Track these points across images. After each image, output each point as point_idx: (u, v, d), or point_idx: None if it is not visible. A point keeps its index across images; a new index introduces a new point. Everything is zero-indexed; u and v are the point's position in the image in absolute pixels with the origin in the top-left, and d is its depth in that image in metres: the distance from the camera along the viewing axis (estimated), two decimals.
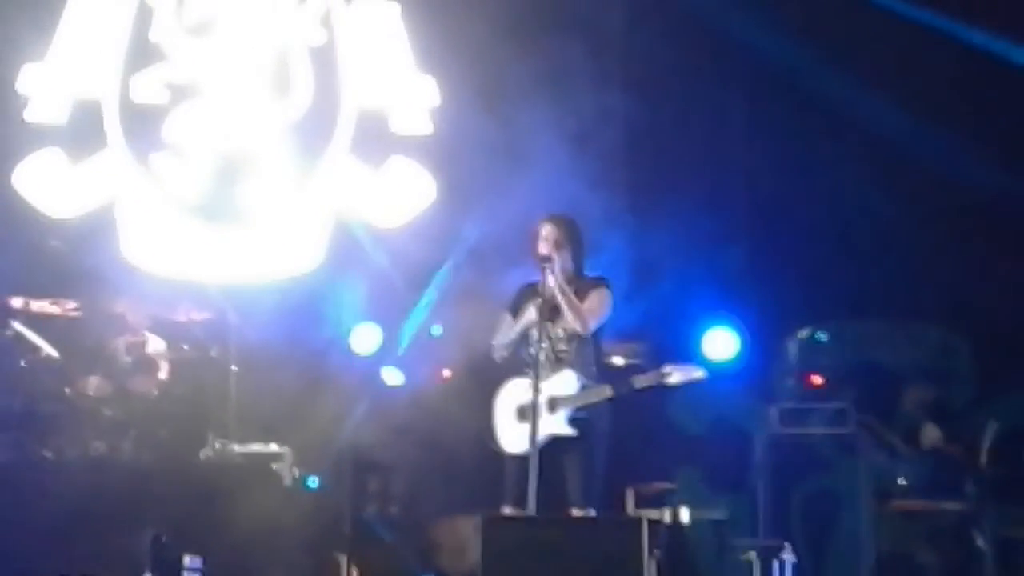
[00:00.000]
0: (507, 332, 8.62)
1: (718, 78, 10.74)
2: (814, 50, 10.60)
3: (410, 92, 10.83)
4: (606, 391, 8.43)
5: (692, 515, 9.33)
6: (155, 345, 10.86)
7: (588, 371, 8.49)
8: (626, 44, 10.99)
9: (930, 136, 10.41)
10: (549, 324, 8.46)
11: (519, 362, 8.56)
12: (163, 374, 10.78)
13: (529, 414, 8.32)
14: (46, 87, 10.90)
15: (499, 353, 8.65)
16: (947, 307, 10.36)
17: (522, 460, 8.31)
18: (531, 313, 8.49)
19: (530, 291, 8.58)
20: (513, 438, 8.48)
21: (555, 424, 8.35)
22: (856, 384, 10.30)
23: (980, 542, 9.69)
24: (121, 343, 10.81)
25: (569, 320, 8.43)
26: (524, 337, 8.56)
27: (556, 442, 8.33)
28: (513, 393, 8.54)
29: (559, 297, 8.43)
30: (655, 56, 10.77)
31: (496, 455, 8.54)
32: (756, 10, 10.67)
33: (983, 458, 9.88)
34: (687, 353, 10.34)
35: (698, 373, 8.49)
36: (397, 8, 10.91)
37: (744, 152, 10.83)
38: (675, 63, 10.67)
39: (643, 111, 10.54)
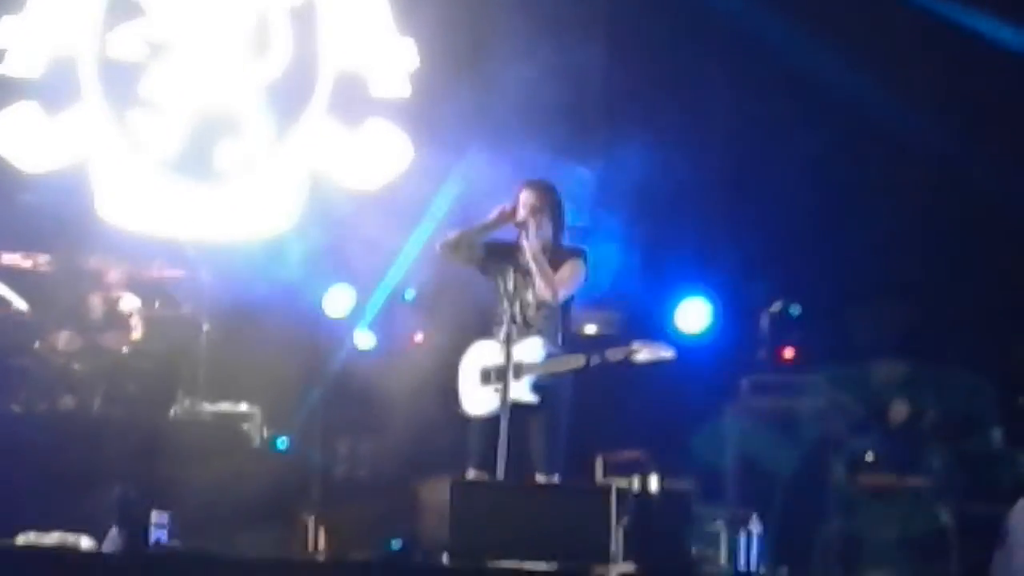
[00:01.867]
0: (467, 232, 8.59)
1: (700, 46, 10.72)
2: (802, 24, 10.58)
3: (389, 54, 10.80)
4: (574, 361, 8.42)
5: (661, 484, 9.35)
6: (130, 303, 10.82)
7: (555, 339, 8.47)
8: (608, 5, 10.97)
9: (910, 109, 10.43)
10: (520, 289, 8.46)
11: (487, 323, 8.55)
12: (136, 333, 10.74)
13: (493, 377, 8.34)
14: (22, 41, 10.83)
15: (443, 243, 8.62)
16: (919, 280, 10.40)
17: (485, 423, 8.32)
18: (492, 215, 8.49)
19: (506, 249, 8.57)
20: (476, 401, 8.47)
21: (519, 390, 8.33)
22: (828, 358, 10.34)
23: (945, 517, 9.74)
24: (95, 299, 10.76)
25: (540, 288, 8.42)
26: (497, 299, 8.52)
27: (519, 408, 8.31)
28: (478, 355, 8.52)
29: (532, 264, 8.41)
30: (637, 19, 10.75)
31: (462, 418, 8.54)
32: None
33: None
34: (660, 324, 10.36)
35: (667, 352, 8.47)
36: None
37: (723, 121, 10.82)
38: (657, 28, 10.64)
39: (623, 76, 10.53)
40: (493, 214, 8.50)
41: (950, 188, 10.43)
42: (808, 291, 10.60)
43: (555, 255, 8.50)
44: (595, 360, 8.42)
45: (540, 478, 8.29)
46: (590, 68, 10.61)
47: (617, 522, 7.84)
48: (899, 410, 10.21)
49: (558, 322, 8.53)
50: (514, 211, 8.49)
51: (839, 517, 9.89)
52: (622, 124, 10.77)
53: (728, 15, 10.69)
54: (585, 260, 8.55)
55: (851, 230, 10.61)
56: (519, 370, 8.35)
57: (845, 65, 10.52)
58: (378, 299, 10.98)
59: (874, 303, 10.48)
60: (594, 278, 8.70)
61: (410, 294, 11.01)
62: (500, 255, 8.55)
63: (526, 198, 8.53)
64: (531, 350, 8.40)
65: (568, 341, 8.54)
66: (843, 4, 10.56)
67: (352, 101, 10.80)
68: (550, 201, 8.57)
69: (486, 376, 8.44)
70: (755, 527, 8.96)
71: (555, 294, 8.42)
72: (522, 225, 8.45)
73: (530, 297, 8.48)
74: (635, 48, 10.68)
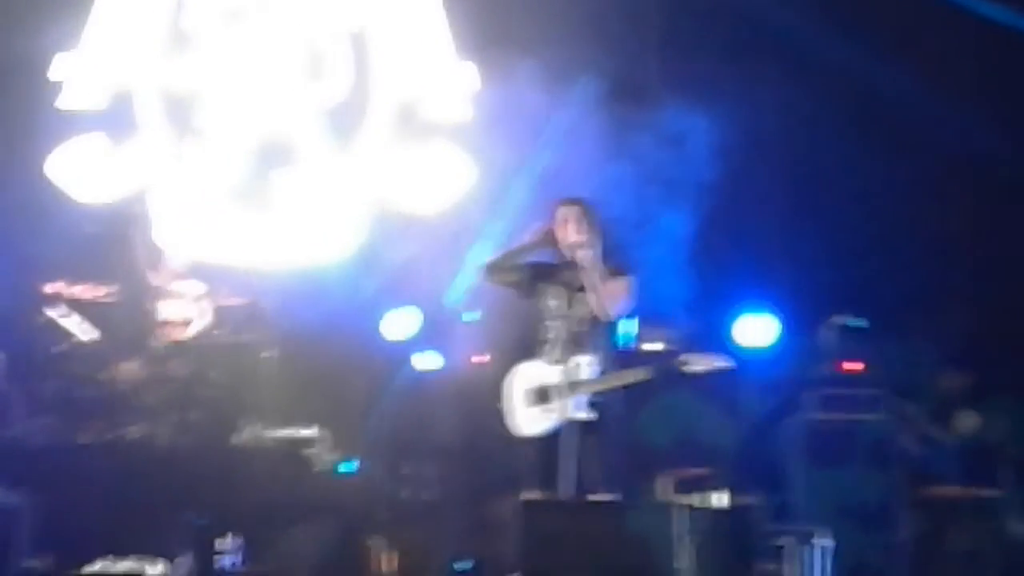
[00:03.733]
0: (508, 254, 8.60)
1: (758, 61, 10.70)
2: (864, 40, 10.56)
3: (449, 78, 10.81)
4: (625, 377, 8.41)
5: (727, 500, 9.31)
6: (196, 288, 10.85)
7: (605, 355, 8.48)
8: (664, 30, 10.97)
9: (973, 119, 10.39)
10: (568, 307, 8.47)
11: (533, 343, 8.55)
12: (207, 318, 10.79)
13: (544, 397, 8.35)
14: (79, 75, 10.91)
15: (483, 265, 8.63)
16: (981, 293, 10.35)
17: (541, 443, 8.33)
18: (532, 236, 8.50)
19: (549, 269, 8.57)
20: (525, 421, 8.47)
21: (573, 408, 8.33)
22: (892, 370, 10.29)
23: (1016, 529, 9.67)
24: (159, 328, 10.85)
25: (594, 306, 8.42)
26: (541, 319, 8.53)
27: (572, 426, 8.31)
28: (525, 376, 8.52)
29: (592, 282, 8.40)
30: (693, 43, 10.75)
31: (514, 438, 8.54)
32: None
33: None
34: (722, 339, 10.34)
35: (723, 363, 8.46)
36: None
37: (783, 136, 10.80)
38: (712, 47, 10.64)
39: (679, 98, 10.52)
40: (534, 235, 8.52)
41: (1014, 197, 10.37)
42: (871, 303, 10.56)
43: (604, 272, 8.51)
44: (647, 375, 8.42)
45: (598, 496, 8.27)
46: (644, 79, 10.61)
47: (685, 539, 7.82)
48: (965, 421, 10.15)
49: (607, 339, 8.54)
50: (553, 230, 8.51)
51: (907, 530, 9.84)
52: (679, 145, 10.77)
53: (788, 33, 10.67)
54: (634, 278, 8.56)
55: (914, 241, 10.58)
56: (571, 388, 8.35)
57: (905, 78, 10.49)
58: (440, 321, 10.99)
59: (938, 314, 10.43)
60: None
61: (472, 315, 11.03)
62: (543, 275, 8.57)
63: (569, 215, 8.52)
64: (582, 368, 8.40)
65: (616, 357, 8.55)
66: (905, 18, 10.52)
67: (412, 125, 10.82)
68: (597, 218, 8.58)
69: (534, 396, 8.44)
70: (824, 541, 8.92)
71: (609, 313, 8.43)
72: (578, 245, 8.45)
73: (578, 315, 8.48)
74: (691, 66, 10.66)
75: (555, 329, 8.44)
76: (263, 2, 11.02)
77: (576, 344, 8.44)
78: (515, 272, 8.60)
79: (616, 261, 8.59)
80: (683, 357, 8.44)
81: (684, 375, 8.44)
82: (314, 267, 10.90)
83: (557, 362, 8.37)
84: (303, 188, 10.91)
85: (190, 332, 10.88)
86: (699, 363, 8.41)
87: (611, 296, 8.43)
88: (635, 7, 10.96)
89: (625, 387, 8.41)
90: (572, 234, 8.47)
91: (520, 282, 8.61)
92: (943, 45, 10.61)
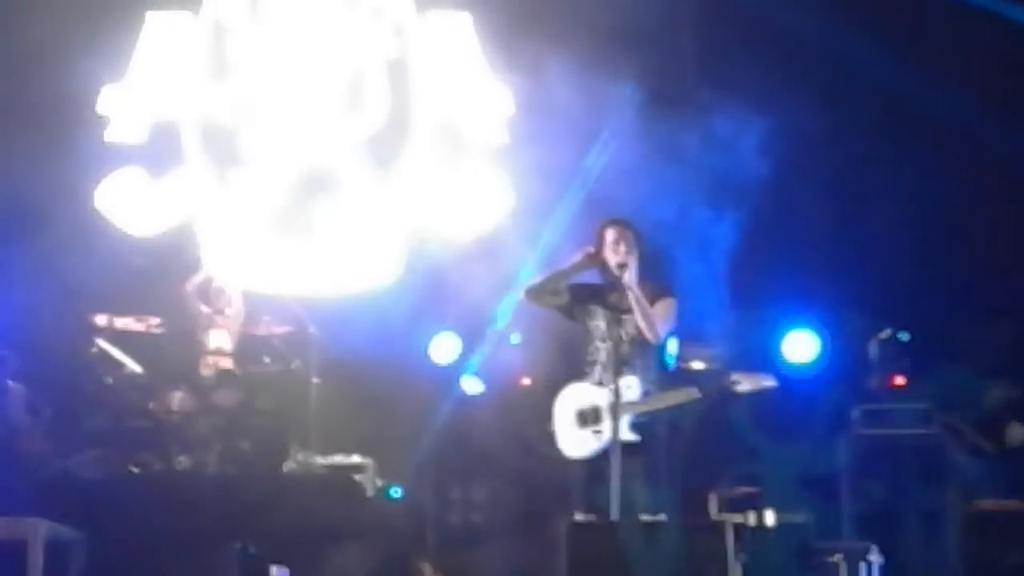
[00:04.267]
0: (551, 277, 8.61)
1: (795, 76, 10.67)
2: (903, 55, 10.52)
3: (485, 102, 10.85)
4: (671, 398, 8.42)
5: (777, 518, 9.27)
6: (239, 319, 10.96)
7: (651, 377, 8.49)
8: (702, 56, 10.96)
9: (1017, 138, 10.33)
10: (613, 328, 8.48)
11: (578, 365, 8.57)
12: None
13: (590, 418, 8.36)
14: (125, 107, 11.00)
15: (527, 288, 8.65)
16: None
17: (587, 464, 8.35)
18: (576, 258, 8.50)
19: (592, 290, 8.59)
20: (574, 443, 8.49)
21: (619, 429, 8.33)
22: (939, 384, 10.24)
23: None
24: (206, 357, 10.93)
25: (642, 328, 8.43)
26: (587, 341, 8.55)
27: (620, 447, 8.30)
28: (572, 397, 8.54)
29: (634, 304, 8.42)
30: (734, 71, 10.73)
31: (561, 460, 8.56)
32: (833, 13, 10.61)
33: None
34: (767, 356, 10.32)
35: (768, 382, 8.46)
36: (469, 18, 10.91)
37: (826, 150, 10.77)
38: (753, 71, 10.60)
39: (723, 123, 10.50)
40: (578, 257, 8.54)
41: None
42: (917, 317, 10.51)
43: (645, 292, 8.53)
44: (694, 395, 8.42)
45: (645, 517, 8.26)
46: (688, 114, 10.59)
47: (735, 558, 7.81)
48: (1015, 433, 10.08)
49: (652, 360, 8.55)
50: (598, 252, 8.53)
51: (958, 544, 9.77)
52: (721, 166, 10.74)
53: (830, 49, 10.64)
54: (676, 298, 8.58)
55: (959, 254, 10.53)
56: (619, 409, 8.35)
57: (952, 92, 10.43)
58: (484, 345, 11.02)
59: (984, 325, 10.37)
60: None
61: (516, 338, 11.05)
62: (586, 297, 8.59)
63: (613, 237, 8.55)
64: (628, 389, 8.40)
65: (662, 378, 8.56)
66: (950, 31, 10.48)
67: (451, 150, 10.86)
68: (639, 239, 8.61)
69: (582, 417, 8.46)
70: (875, 558, 8.86)
71: (656, 334, 8.44)
72: (622, 266, 8.47)
73: (624, 336, 8.49)
74: (732, 95, 10.62)
75: (601, 351, 8.46)
76: (303, 32, 11.08)
77: (622, 365, 8.45)
78: (560, 295, 8.62)
79: (659, 281, 8.61)
80: (731, 376, 8.45)
81: (731, 394, 8.44)
82: (359, 294, 10.94)
83: (604, 384, 8.39)
84: (346, 215, 10.94)
85: (238, 360, 10.97)
86: (746, 383, 8.41)
87: (658, 317, 8.45)
88: (673, 16, 10.95)
89: (672, 408, 8.42)
90: (616, 255, 8.49)
91: (565, 304, 8.64)
92: (993, 59, 10.55)
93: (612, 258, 8.51)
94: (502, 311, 10.90)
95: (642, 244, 8.60)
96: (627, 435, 8.33)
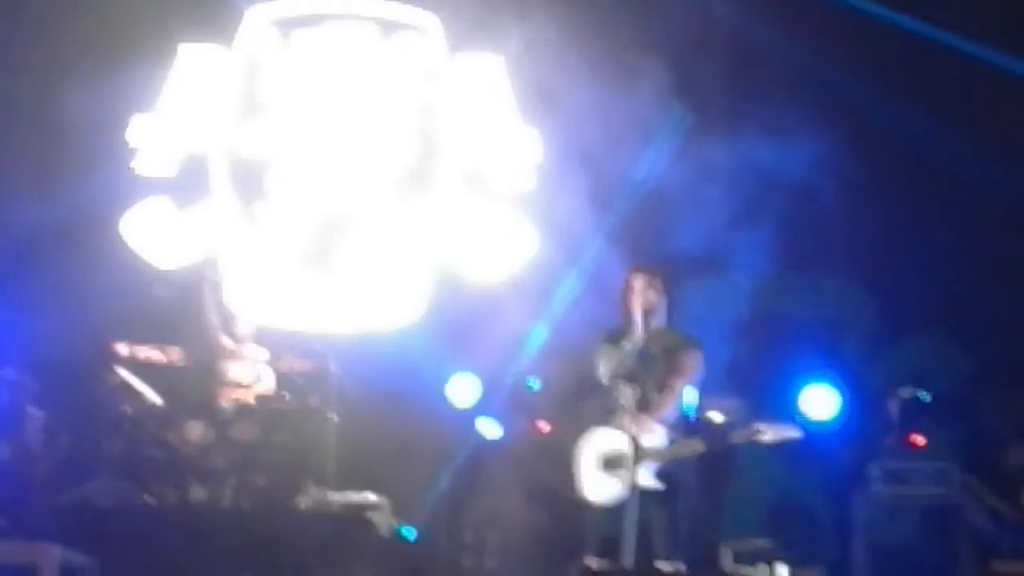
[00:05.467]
0: (614, 356, 8.62)
1: (822, 129, 10.68)
2: (934, 110, 10.54)
3: (514, 146, 10.86)
4: (698, 445, 8.43)
5: (790, 573, 9.24)
6: (257, 352, 10.95)
7: (676, 425, 8.50)
8: (724, 96, 11.00)
9: None
10: (638, 375, 8.49)
11: (604, 409, 8.58)
12: (264, 385, 10.90)
13: (614, 464, 8.35)
14: (154, 139, 11.04)
15: (611, 380, 8.65)
16: None
17: (605, 510, 8.33)
18: (636, 332, 8.52)
19: (619, 335, 8.62)
20: (596, 488, 8.49)
21: (642, 476, 8.33)
22: (959, 444, 10.21)
23: None
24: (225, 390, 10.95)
25: (667, 376, 8.47)
26: (610, 387, 8.57)
27: (642, 495, 8.31)
28: (597, 442, 8.54)
29: (662, 351, 8.45)
30: (754, 108, 10.76)
31: (578, 505, 8.55)
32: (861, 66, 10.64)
33: None
34: (785, 410, 10.30)
35: (792, 432, 8.47)
36: (502, 60, 10.93)
37: (846, 205, 10.77)
38: (774, 112, 10.61)
39: (743, 164, 10.52)
40: (638, 321, 8.54)
41: None
42: (938, 377, 10.49)
43: (671, 341, 8.57)
44: (719, 443, 8.43)
45: (665, 566, 8.26)
46: (706, 157, 10.62)
47: None
48: None
49: (677, 407, 8.56)
50: (626, 298, 8.57)
51: None
52: (743, 215, 10.77)
53: (853, 103, 10.65)
54: (702, 350, 8.60)
55: (981, 314, 10.51)
56: (642, 456, 8.35)
57: (973, 150, 10.44)
58: (503, 389, 11.02)
59: (1005, 388, 10.34)
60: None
61: (535, 383, 11.04)
62: (614, 341, 8.62)
63: (641, 284, 8.58)
64: (653, 436, 8.41)
65: (685, 427, 8.57)
66: (972, 88, 10.50)
67: (477, 193, 10.88)
68: (666, 287, 8.65)
69: (607, 463, 8.46)
70: None
71: (688, 382, 8.47)
72: (649, 314, 8.51)
73: (649, 383, 8.51)
74: (752, 134, 10.63)
75: (626, 396, 8.46)
76: (334, 70, 11.13)
77: (646, 412, 8.46)
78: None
79: (685, 332, 8.64)
80: (756, 426, 8.46)
81: (753, 444, 8.44)
82: (380, 332, 10.94)
83: (627, 430, 8.38)
84: (370, 254, 10.97)
85: (255, 394, 10.98)
86: (770, 432, 8.42)
87: (685, 371, 8.48)
88: (704, 45, 10.99)
89: (694, 456, 8.43)
90: (646, 302, 8.53)
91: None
92: (1016, 117, 10.56)
93: (641, 304, 8.55)
94: (522, 355, 10.91)
95: (670, 291, 8.64)
96: (651, 482, 8.34)
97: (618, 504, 8.37)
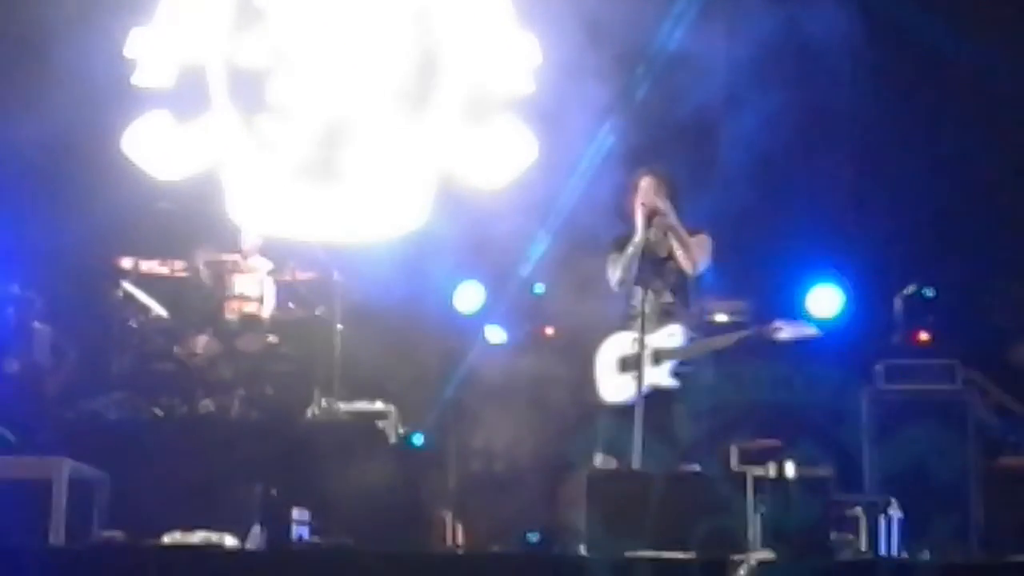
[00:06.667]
0: (620, 262, 8.61)
1: (828, 30, 10.58)
2: (934, 14, 10.43)
3: (512, 51, 10.79)
4: (713, 343, 8.46)
5: (797, 471, 9.28)
6: (262, 264, 10.96)
7: (693, 323, 8.53)
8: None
9: None
10: (652, 277, 8.49)
11: (623, 315, 8.60)
12: (269, 299, 10.87)
13: (631, 365, 8.37)
14: (152, 51, 10.97)
15: (621, 285, 8.64)
16: None
17: (619, 411, 8.37)
18: (637, 235, 8.50)
19: (625, 242, 8.61)
20: (613, 388, 8.54)
21: (659, 376, 8.38)
22: (964, 340, 10.21)
23: None
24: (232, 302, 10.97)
25: (679, 257, 8.46)
26: (629, 291, 8.57)
27: (658, 394, 8.35)
28: (616, 345, 8.58)
29: (674, 235, 8.45)
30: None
31: (594, 408, 8.58)
32: None
33: None
34: (791, 311, 10.29)
35: (810, 330, 8.49)
36: None
37: (854, 106, 10.71)
38: (783, 22, 10.52)
39: (746, 71, 10.45)
40: (640, 223, 8.51)
41: None
42: (942, 273, 10.47)
43: (686, 229, 8.58)
44: (735, 340, 8.46)
45: (681, 465, 8.30)
46: (709, 65, 10.54)
47: (755, 510, 7.82)
48: None
49: (694, 305, 8.59)
50: (636, 201, 8.55)
51: (980, 501, 9.76)
52: (741, 114, 10.70)
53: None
54: (710, 238, 8.61)
55: (985, 211, 10.48)
56: (659, 356, 8.40)
57: (981, 47, 10.35)
58: (507, 296, 11.02)
59: (1010, 283, 10.33)
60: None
61: (539, 288, 11.04)
62: (621, 247, 8.61)
63: (652, 184, 8.58)
64: (671, 336, 8.45)
65: (703, 327, 8.60)
66: None
67: (477, 99, 10.82)
68: (673, 186, 8.65)
69: (624, 364, 8.50)
70: (895, 512, 8.87)
71: (695, 264, 8.49)
72: (656, 212, 8.51)
73: (664, 283, 8.52)
74: (756, 29, 10.54)
75: (644, 299, 8.47)
76: None
77: (664, 314, 8.49)
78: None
79: (693, 224, 8.65)
80: (773, 324, 8.48)
81: (770, 343, 8.47)
82: (384, 241, 10.94)
83: (647, 332, 8.40)
84: (372, 162, 10.93)
85: (263, 307, 11.01)
86: (788, 330, 8.44)
87: (697, 249, 8.48)
88: None
89: (714, 353, 8.47)
90: (656, 202, 8.52)
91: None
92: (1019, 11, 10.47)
93: (652, 205, 8.54)
94: (527, 260, 10.90)
95: (678, 190, 8.63)
96: (667, 381, 8.38)
97: (630, 405, 8.39)
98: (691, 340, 8.47)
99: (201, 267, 11.04)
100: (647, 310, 8.42)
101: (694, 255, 8.50)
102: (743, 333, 8.60)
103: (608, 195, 9.55)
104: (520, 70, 10.77)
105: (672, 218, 8.51)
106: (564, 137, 10.62)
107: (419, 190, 10.91)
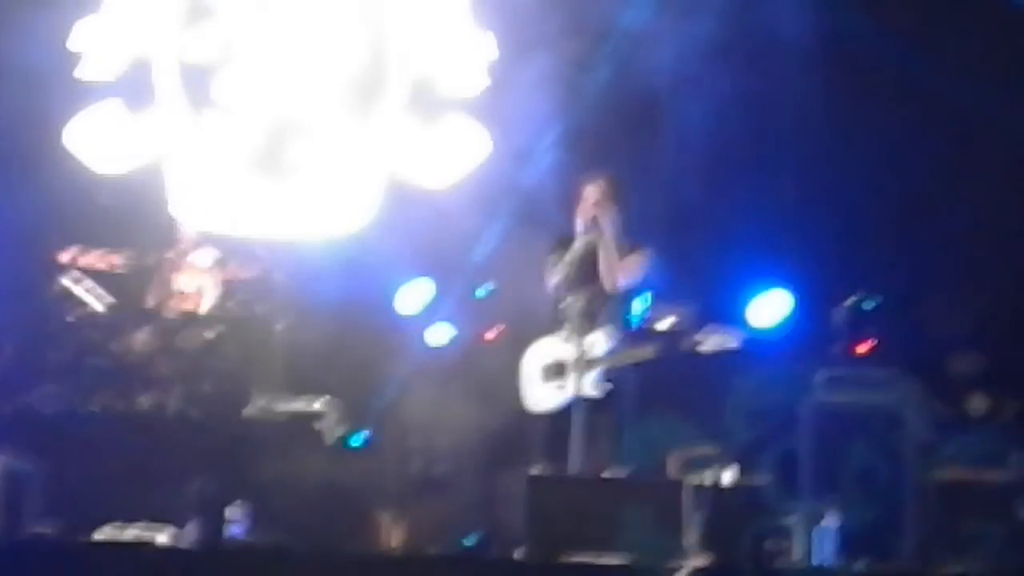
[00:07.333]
0: (559, 268, 8.60)
1: (773, 31, 10.61)
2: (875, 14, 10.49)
3: (465, 49, 10.76)
4: (638, 353, 8.46)
5: (735, 478, 9.30)
6: (208, 256, 10.90)
7: (618, 333, 8.52)
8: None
9: (990, 98, 10.31)
10: (584, 282, 8.50)
11: (551, 319, 8.60)
12: (215, 290, 10.83)
13: (557, 374, 8.38)
14: (98, 44, 10.90)
15: (555, 290, 8.64)
16: (995, 274, 10.29)
17: (550, 420, 8.38)
18: (577, 243, 8.50)
19: (567, 244, 8.61)
20: (538, 397, 8.53)
21: (584, 385, 8.37)
22: (905, 351, 10.25)
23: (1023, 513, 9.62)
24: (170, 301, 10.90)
25: (603, 277, 8.47)
26: (555, 297, 8.57)
27: (586, 403, 8.35)
28: (540, 352, 8.58)
29: (601, 253, 8.44)
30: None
31: (525, 414, 8.59)
32: None
33: None
34: (734, 318, 10.30)
35: (731, 343, 8.51)
36: None
37: (798, 115, 10.74)
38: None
39: (693, 69, 10.46)
40: (581, 230, 8.51)
41: None
42: (884, 284, 10.51)
43: (620, 248, 8.55)
44: (659, 351, 8.47)
45: (608, 472, 8.31)
46: (659, 63, 10.55)
47: (692, 516, 7.83)
48: (977, 403, 10.10)
49: (620, 315, 8.58)
50: (584, 212, 8.56)
51: (916, 512, 9.79)
52: (692, 120, 10.71)
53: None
54: (648, 255, 8.60)
55: (928, 222, 10.53)
56: (585, 364, 8.39)
57: (925, 53, 10.41)
58: (453, 295, 10.99)
59: (951, 295, 10.38)
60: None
61: (483, 290, 11.01)
62: (563, 247, 8.61)
63: (592, 193, 8.58)
64: (596, 343, 8.43)
65: (629, 335, 8.59)
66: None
67: (428, 96, 10.79)
68: (616, 193, 8.64)
69: (548, 372, 8.50)
70: (831, 521, 8.89)
71: (615, 283, 8.48)
72: (593, 223, 8.50)
73: (593, 291, 8.52)
74: (697, 29, 10.56)
75: (571, 305, 8.46)
76: None
77: (591, 320, 8.47)
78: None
79: (633, 238, 8.63)
80: (695, 336, 8.49)
81: (693, 355, 8.49)
82: (328, 239, 10.90)
83: (572, 338, 8.40)
84: (318, 160, 10.90)
85: (202, 304, 10.94)
86: (708, 343, 8.46)
87: (622, 268, 8.48)
88: None
89: (636, 364, 8.46)
90: (596, 214, 8.52)
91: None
92: (964, 21, 10.53)
93: (591, 212, 8.54)
94: (472, 262, 10.87)
95: (623, 197, 8.62)
96: (593, 389, 8.37)
97: (564, 412, 8.40)
98: (615, 349, 8.46)
99: (140, 262, 10.96)
100: (574, 316, 8.41)
101: (615, 276, 8.52)
102: (659, 346, 8.59)
103: (558, 187, 9.60)
104: (473, 67, 10.74)
105: (608, 234, 8.48)
106: (513, 130, 10.60)
107: (367, 188, 10.89)
